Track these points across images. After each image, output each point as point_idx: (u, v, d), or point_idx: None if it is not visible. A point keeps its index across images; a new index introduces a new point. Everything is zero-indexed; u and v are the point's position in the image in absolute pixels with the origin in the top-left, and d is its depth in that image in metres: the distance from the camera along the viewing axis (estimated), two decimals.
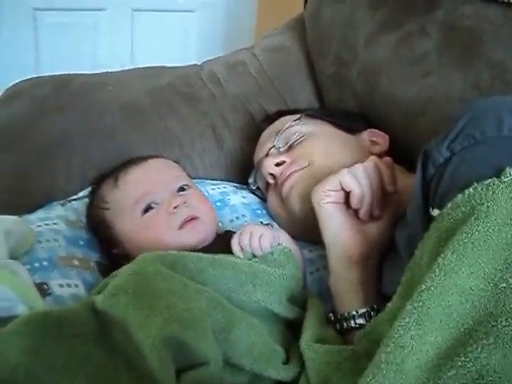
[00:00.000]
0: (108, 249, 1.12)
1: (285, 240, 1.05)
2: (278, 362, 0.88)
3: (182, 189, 1.11)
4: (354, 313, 0.93)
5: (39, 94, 1.35)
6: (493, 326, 0.64)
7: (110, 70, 1.50)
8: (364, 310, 0.93)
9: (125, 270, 0.88)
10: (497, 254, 0.66)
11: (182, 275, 0.89)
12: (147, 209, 1.07)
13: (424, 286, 0.66)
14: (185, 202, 1.07)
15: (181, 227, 1.05)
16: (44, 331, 0.76)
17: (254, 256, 0.99)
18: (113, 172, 1.15)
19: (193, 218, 1.06)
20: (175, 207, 1.05)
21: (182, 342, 0.79)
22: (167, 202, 1.06)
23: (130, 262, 0.92)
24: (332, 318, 0.96)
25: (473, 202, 0.69)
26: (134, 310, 0.80)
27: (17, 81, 1.41)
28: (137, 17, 2.78)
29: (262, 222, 1.22)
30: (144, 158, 1.17)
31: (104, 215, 1.11)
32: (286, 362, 0.90)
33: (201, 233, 1.06)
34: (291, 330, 0.97)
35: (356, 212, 0.97)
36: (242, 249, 1.00)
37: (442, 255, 0.67)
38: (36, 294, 0.89)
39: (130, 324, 0.79)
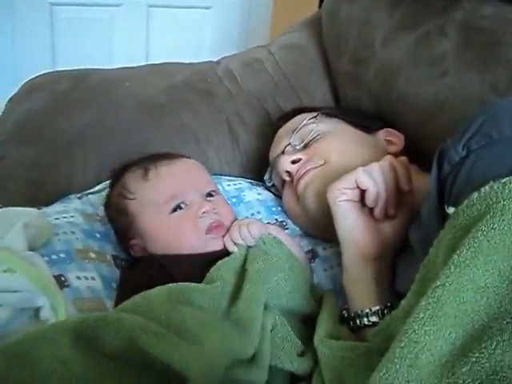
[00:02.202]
0: (125, 238, 1.12)
1: (275, 231, 1.07)
2: (293, 352, 0.89)
3: (210, 194, 1.12)
4: (368, 310, 0.93)
5: (57, 88, 1.36)
6: (508, 322, 0.64)
7: (126, 66, 1.51)
8: (377, 308, 0.93)
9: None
10: None
11: None
12: (176, 208, 1.07)
13: (439, 282, 0.67)
14: (214, 209, 1.08)
15: (207, 232, 1.06)
16: (78, 343, 0.75)
17: (249, 247, 1.02)
18: (140, 163, 1.15)
19: (219, 225, 1.07)
20: (204, 212, 1.06)
21: None
22: (197, 206, 1.07)
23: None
24: (345, 316, 0.97)
25: (488, 200, 0.69)
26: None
27: (33, 75, 1.42)
28: (152, 13, 2.79)
29: (276, 220, 1.23)
30: (175, 156, 1.17)
31: (127, 205, 1.11)
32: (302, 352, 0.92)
33: None
34: (306, 326, 0.97)
35: (371, 210, 0.97)
36: (234, 244, 1.03)
37: (458, 252, 0.67)
38: (56, 286, 0.90)
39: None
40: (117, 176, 1.16)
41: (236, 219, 1.12)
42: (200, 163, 1.21)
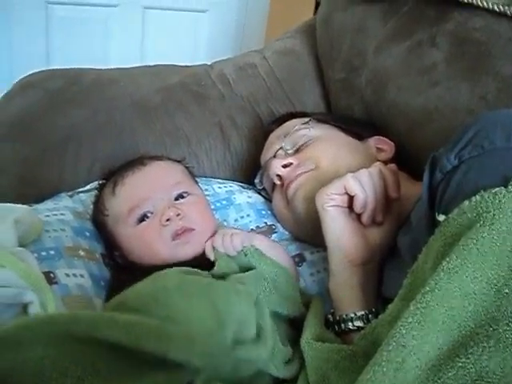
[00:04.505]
0: (109, 249, 1.12)
1: (260, 241, 1.06)
2: (280, 360, 0.90)
3: (181, 196, 1.08)
4: (353, 315, 0.94)
5: (52, 86, 1.36)
6: (494, 329, 0.65)
7: (120, 66, 1.52)
8: (362, 313, 0.94)
9: None
10: (501, 260, 0.68)
11: None
12: (142, 218, 1.05)
13: (428, 288, 0.67)
14: (178, 214, 1.03)
15: (173, 239, 1.03)
16: (70, 332, 0.76)
17: (229, 257, 1.01)
18: (115, 173, 1.13)
19: (186, 230, 1.03)
20: (167, 219, 1.03)
21: None
22: (160, 213, 1.04)
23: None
24: (331, 319, 0.97)
25: (479, 209, 0.71)
26: None
27: (27, 73, 1.42)
28: (148, 14, 2.79)
29: (266, 223, 1.24)
30: (144, 162, 1.13)
31: (105, 221, 1.10)
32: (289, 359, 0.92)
33: (196, 245, 1.04)
34: (294, 329, 0.98)
35: (359, 216, 0.98)
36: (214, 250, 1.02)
37: (447, 259, 0.68)
38: (45, 282, 0.90)
39: None
40: (100, 188, 1.16)
41: (214, 220, 1.12)
42: (173, 161, 1.18)
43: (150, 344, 0.76)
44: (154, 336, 0.76)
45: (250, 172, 1.36)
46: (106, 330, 0.75)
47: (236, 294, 0.88)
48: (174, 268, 0.95)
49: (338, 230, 0.98)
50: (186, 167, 1.20)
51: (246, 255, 1.01)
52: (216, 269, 1.00)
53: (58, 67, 1.47)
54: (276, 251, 1.07)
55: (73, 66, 1.46)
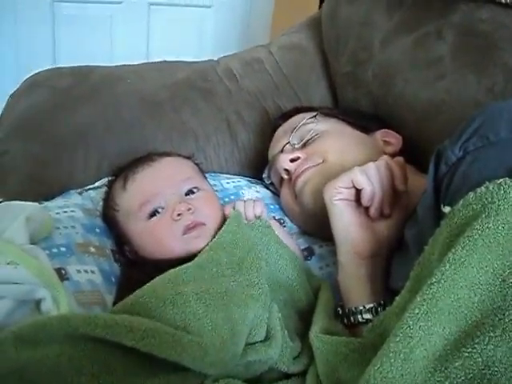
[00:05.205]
0: (119, 243, 1.13)
1: (275, 225, 1.10)
2: (289, 357, 0.91)
3: (191, 191, 1.09)
4: (362, 308, 0.95)
5: (59, 85, 1.37)
6: (500, 319, 0.66)
7: (127, 63, 1.52)
8: (371, 306, 0.94)
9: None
10: (506, 250, 0.68)
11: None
12: (153, 213, 1.06)
13: (434, 279, 0.68)
14: (189, 209, 1.05)
15: (184, 233, 1.04)
16: (85, 334, 0.77)
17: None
18: (125, 170, 1.14)
19: (197, 225, 1.05)
20: (179, 214, 1.04)
21: None
22: (171, 208, 1.05)
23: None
24: (340, 312, 0.98)
25: (484, 200, 0.71)
26: None
27: (35, 72, 1.42)
28: (153, 11, 2.80)
29: (274, 217, 1.23)
30: (154, 158, 1.14)
31: (115, 216, 1.11)
32: (299, 353, 0.93)
33: (207, 239, 1.04)
34: (304, 319, 0.99)
35: (366, 210, 0.98)
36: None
37: (453, 250, 0.69)
38: (57, 279, 0.91)
39: None
40: (109, 181, 1.17)
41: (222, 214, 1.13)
42: (182, 157, 1.19)
43: (163, 353, 0.77)
44: (167, 346, 0.78)
45: (257, 167, 1.37)
46: (120, 335, 0.76)
47: (252, 301, 0.89)
48: (191, 265, 0.95)
49: (346, 223, 0.99)
50: (196, 163, 1.21)
51: (253, 228, 1.05)
52: (225, 227, 1.03)
53: (65, 65, 1.47)
54: (288, 241, 1.09)
55: (79, 64, 1.46)
